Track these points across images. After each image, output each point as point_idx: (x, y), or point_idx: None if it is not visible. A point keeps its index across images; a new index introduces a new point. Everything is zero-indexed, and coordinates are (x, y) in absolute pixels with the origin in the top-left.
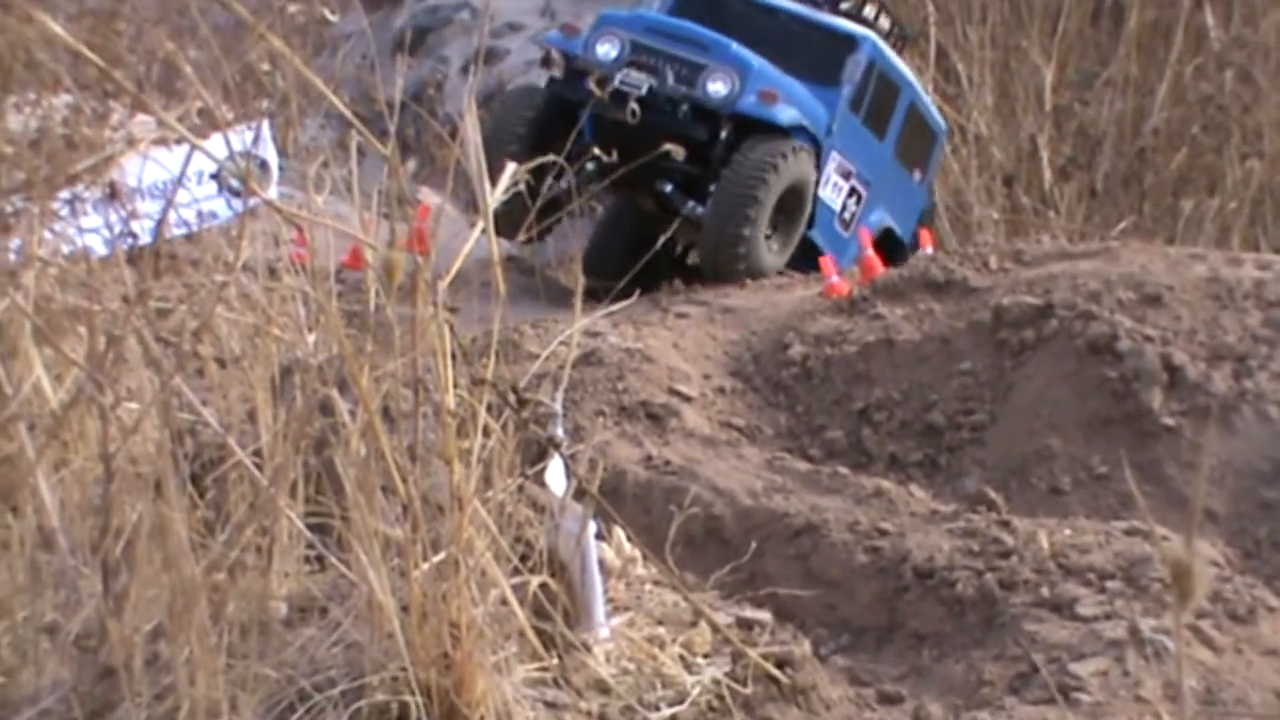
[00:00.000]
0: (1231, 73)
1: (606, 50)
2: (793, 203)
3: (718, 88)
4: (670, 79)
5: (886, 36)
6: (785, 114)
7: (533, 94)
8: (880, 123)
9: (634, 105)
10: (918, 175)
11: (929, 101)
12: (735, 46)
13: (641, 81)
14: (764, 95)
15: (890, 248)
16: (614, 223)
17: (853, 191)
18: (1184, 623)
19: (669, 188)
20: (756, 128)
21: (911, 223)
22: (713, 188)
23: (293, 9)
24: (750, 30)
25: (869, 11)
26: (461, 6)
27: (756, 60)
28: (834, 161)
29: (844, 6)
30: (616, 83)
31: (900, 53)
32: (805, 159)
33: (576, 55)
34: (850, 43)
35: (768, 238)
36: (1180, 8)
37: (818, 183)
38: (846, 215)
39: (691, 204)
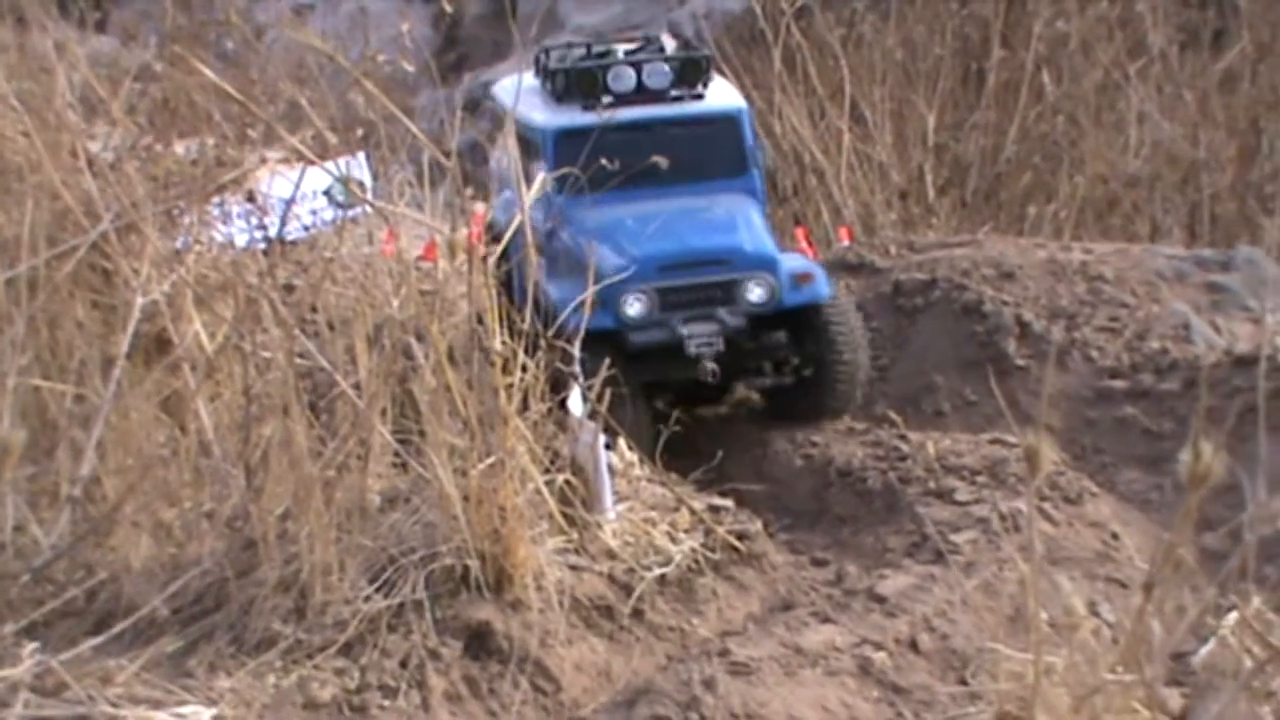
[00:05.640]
0: (1062, 117)
1: (635, 308)
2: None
3: (758, 294)
4: (723, 317)
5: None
6: (823, 286)
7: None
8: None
9: (712, 366)
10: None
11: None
12: (747, 247)
13: (713, 338)
14: (799, 279)
15: None
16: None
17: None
18: (1033, 509)
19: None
20: None
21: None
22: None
23: (381, 59)
24: (638, 157)
25: (665, 45)
26: None
27: (770, 248)
28: None
29: (679, 92)
30: (691, 351)
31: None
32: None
33: (613, 328)
34: (732, 121)
35: None
36: (1025, 71)
37: None
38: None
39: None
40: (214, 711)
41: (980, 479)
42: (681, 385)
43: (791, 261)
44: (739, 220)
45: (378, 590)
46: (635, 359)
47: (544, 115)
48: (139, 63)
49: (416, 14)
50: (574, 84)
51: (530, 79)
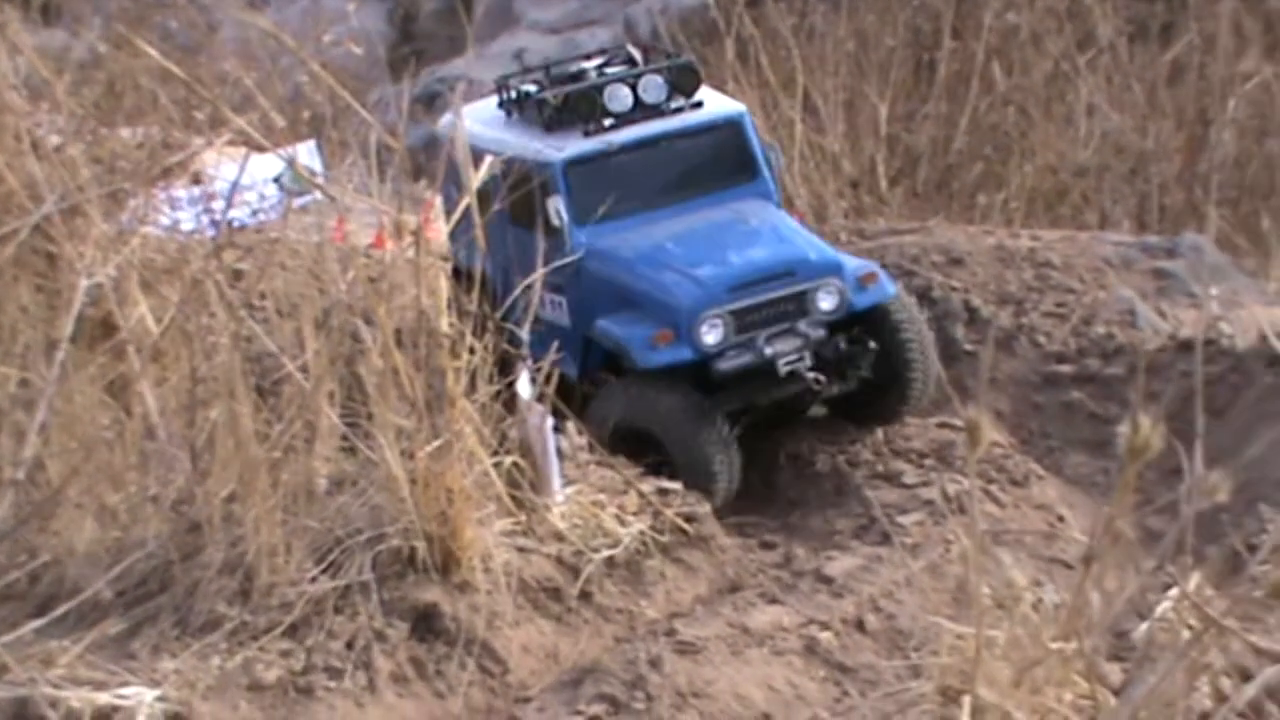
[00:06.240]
0: (1013, 108)
1: (713, 335)
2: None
3: (829, 302)
4: (803, 329)
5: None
6: (888, 284)
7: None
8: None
9: (814, 375)
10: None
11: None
12: (811, 255)
13: (801, 352)
14: (863, 281)
15: None
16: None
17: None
18: (976, 486)
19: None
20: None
21: None
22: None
23: (327, 39)
24: (648, 176)
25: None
26: (460, 77)
27: (832, 252)
28: None
29: (674, 104)
30: (783, 369)
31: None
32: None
33: (692, 359)
34: (735, 126)
35: None
36: (976, 62)
37: None
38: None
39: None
40: (157, 693)
41: (928, 462)
42: (768, 407)
43: (852, 263)
44: (783, 228)
45: (324, 572)
46: (720, 387)
47: (544, 145)
48: (86, 50)
49: (372, 10)
50: (568, 108)
51: (488, 111)
